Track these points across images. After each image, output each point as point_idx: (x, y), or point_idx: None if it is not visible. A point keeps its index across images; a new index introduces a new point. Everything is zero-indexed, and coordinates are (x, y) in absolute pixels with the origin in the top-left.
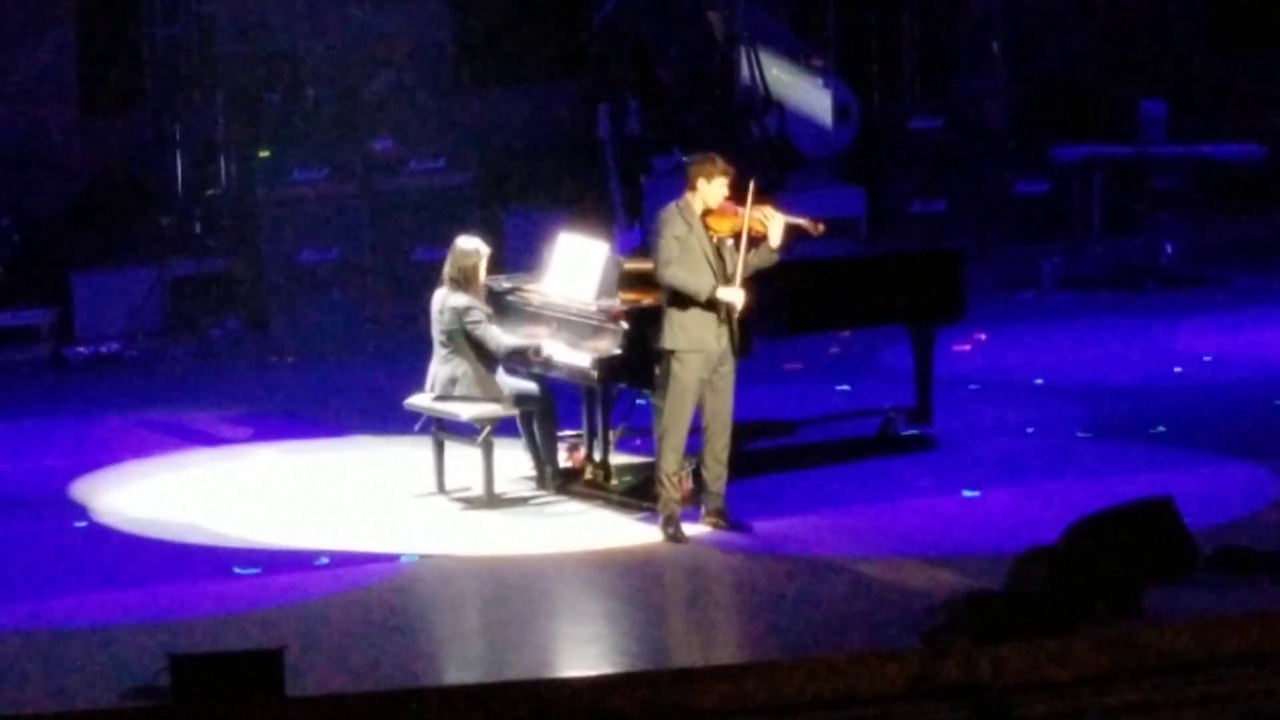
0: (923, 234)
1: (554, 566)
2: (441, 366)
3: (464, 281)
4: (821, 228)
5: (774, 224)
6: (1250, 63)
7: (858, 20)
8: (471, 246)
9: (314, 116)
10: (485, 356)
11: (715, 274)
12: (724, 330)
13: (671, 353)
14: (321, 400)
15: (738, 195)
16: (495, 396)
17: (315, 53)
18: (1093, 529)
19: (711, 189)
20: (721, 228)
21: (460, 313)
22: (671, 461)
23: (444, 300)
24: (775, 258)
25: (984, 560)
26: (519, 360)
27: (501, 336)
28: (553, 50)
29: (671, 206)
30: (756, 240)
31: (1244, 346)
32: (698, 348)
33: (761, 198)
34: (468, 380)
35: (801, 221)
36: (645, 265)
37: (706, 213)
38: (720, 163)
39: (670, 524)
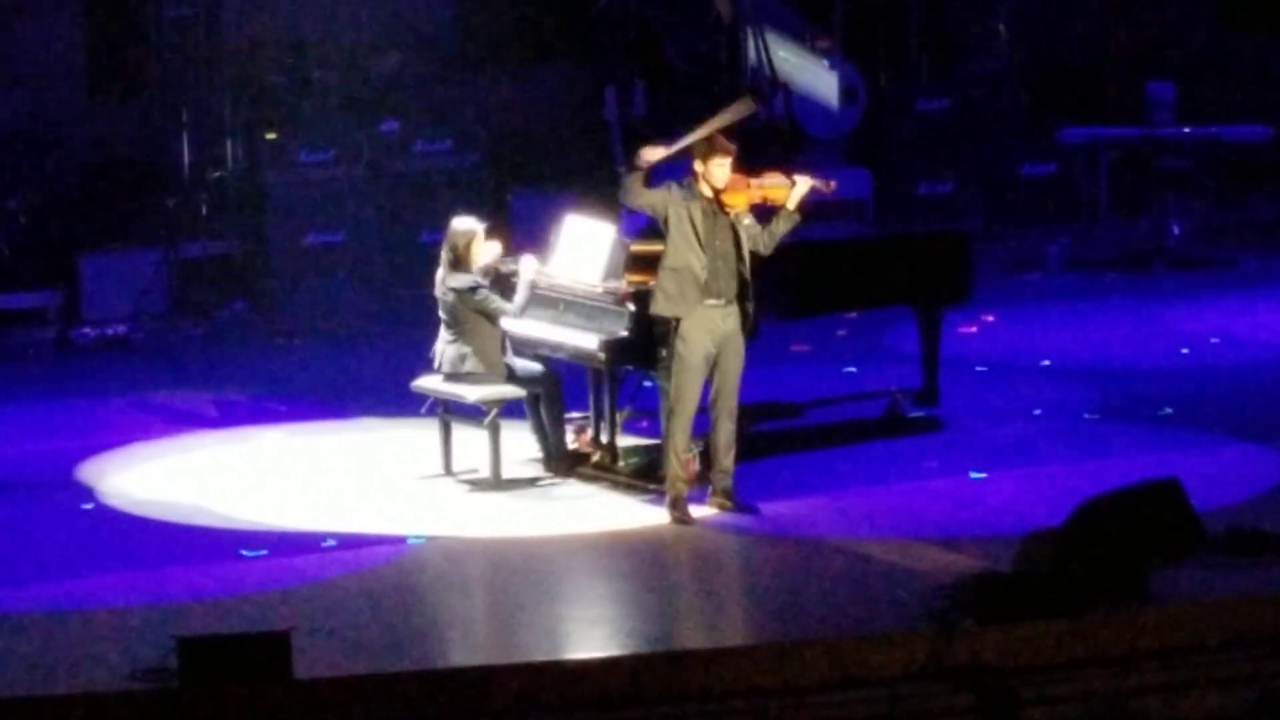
0: (930, 215)
1: (561, 548)
2: (449, 346)
3: (458, 260)
4: (833, 185)
5: (797, 189)
6: (1257, 44)
7: (864, 1)
8: (465, 226)
9: (320, 99)
10: (490, 335)
11: (703, 250)
12: (731, 310)
13: (675, 330)
14: (328, 382)
15: (746, 171)
16: (502, 373)
17: (322, 35)
18: (1099, 511)
19: (710, 170)
20: (737, 202)
21: (464, 292)
22: (681, 440)
23: (444, 280)
24: (797, 218)
25: (991, 542)
26: (527, 307)
27: (505, 302)
28: (559, 32)
29: (678, 184)
30: (774, 208)
31: (1251, 328)
32: (677, 312)
33: (766, 167)
34: (475, 359)
35: (815, 183)
36: (652, 247)
37: (719, 192)
38: (719, 142)
39: (677, 505)
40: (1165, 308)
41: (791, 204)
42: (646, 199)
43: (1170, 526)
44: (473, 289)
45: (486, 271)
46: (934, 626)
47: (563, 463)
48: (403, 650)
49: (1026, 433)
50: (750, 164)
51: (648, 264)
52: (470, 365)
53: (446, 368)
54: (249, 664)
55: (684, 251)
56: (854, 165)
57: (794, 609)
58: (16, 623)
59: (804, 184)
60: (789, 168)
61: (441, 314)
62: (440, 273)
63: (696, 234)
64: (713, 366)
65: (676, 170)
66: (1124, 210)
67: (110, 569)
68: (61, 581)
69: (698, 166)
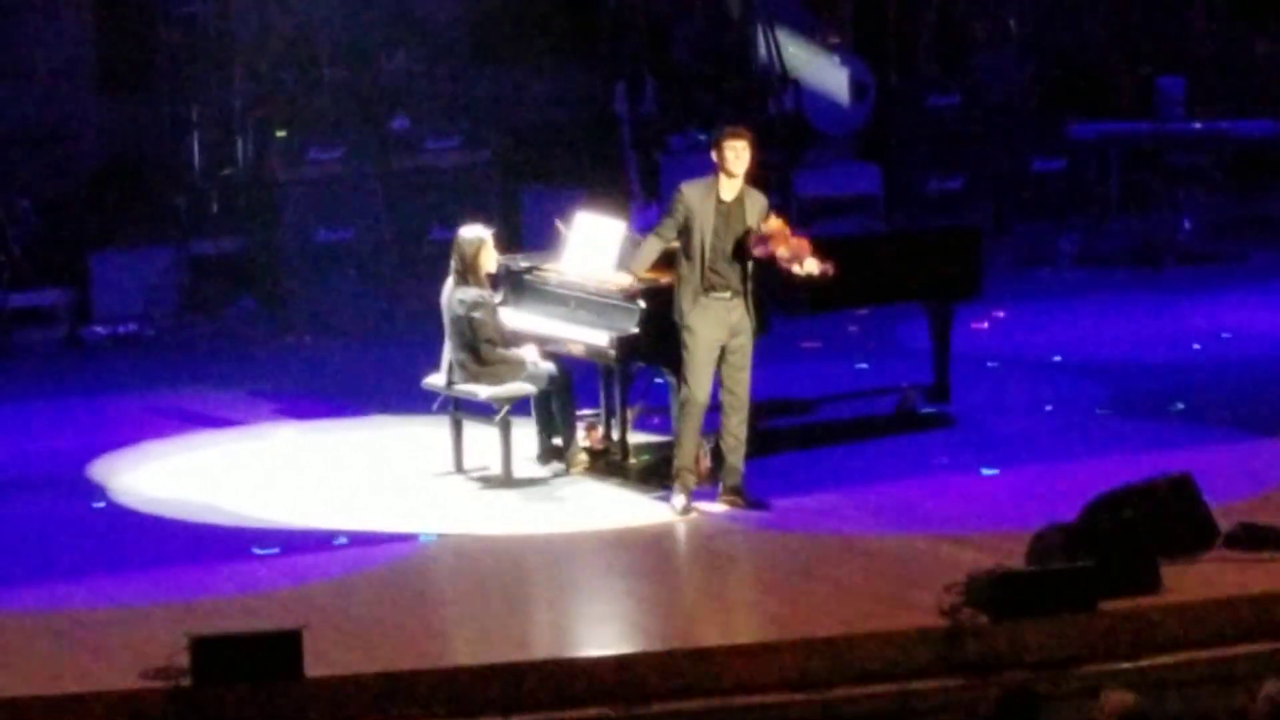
0: (940, 212)
1: (572, 545)
2: (455, 355)
3: (466, 270)
4: (830, 273)
5: (804, 267)
6: (1268, 39)
7: None
8: (473, 234)
9: (331, 96)
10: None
11: (709, 245)
12: (736, 302)
13: (683, 325)
14: (338, 380)
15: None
16: (511, 377)
17: (332, 31)
18: (1111, 506)
19: (726, 156)
20: (777, 246)
21: (469, 305)
22: (690, 435)
23: (452, 293)
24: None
25: (1003, 537)
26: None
27: (493, 336)
28: (569, 28)
29: (701, 180)
30: (777, 261)
31: (1262, 323)
32: (685, 321)
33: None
34: (486, 372)
35: (819, 270)
36: None
37: (777, 234)
38: (729, 128)
39: (686, 501)
40: (1176, 303)
41: (790, 268)
42: (671, 233)
43: (1183, 522)
44: (476, 303)
45: (493, 275)
46: (946, 622)
47: (576, 461)
48: (414, 648)
49: (1038, 428)
50: (762, 165)
51: (659, 261)
52: (484, 379)
53: (455, 377)
54: (261, 662)
55: (692, 257)
56: (863, 161)
57: (805, 605)
58: (28, 621)
59: (812, 267)
60: (792, 177)
61: (448, 325)
62: (448, 283)
63: (704, 231)
64: (721, 362)
65: (695, 168)
66: (1134, 206)
67: (122, 567)
68: (72, 580)
69: (715, 155)
